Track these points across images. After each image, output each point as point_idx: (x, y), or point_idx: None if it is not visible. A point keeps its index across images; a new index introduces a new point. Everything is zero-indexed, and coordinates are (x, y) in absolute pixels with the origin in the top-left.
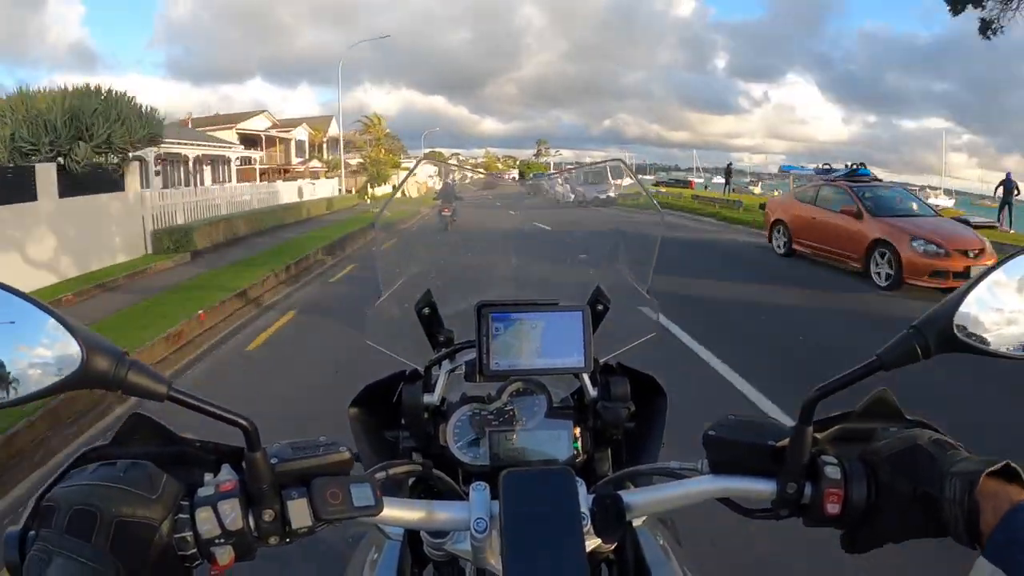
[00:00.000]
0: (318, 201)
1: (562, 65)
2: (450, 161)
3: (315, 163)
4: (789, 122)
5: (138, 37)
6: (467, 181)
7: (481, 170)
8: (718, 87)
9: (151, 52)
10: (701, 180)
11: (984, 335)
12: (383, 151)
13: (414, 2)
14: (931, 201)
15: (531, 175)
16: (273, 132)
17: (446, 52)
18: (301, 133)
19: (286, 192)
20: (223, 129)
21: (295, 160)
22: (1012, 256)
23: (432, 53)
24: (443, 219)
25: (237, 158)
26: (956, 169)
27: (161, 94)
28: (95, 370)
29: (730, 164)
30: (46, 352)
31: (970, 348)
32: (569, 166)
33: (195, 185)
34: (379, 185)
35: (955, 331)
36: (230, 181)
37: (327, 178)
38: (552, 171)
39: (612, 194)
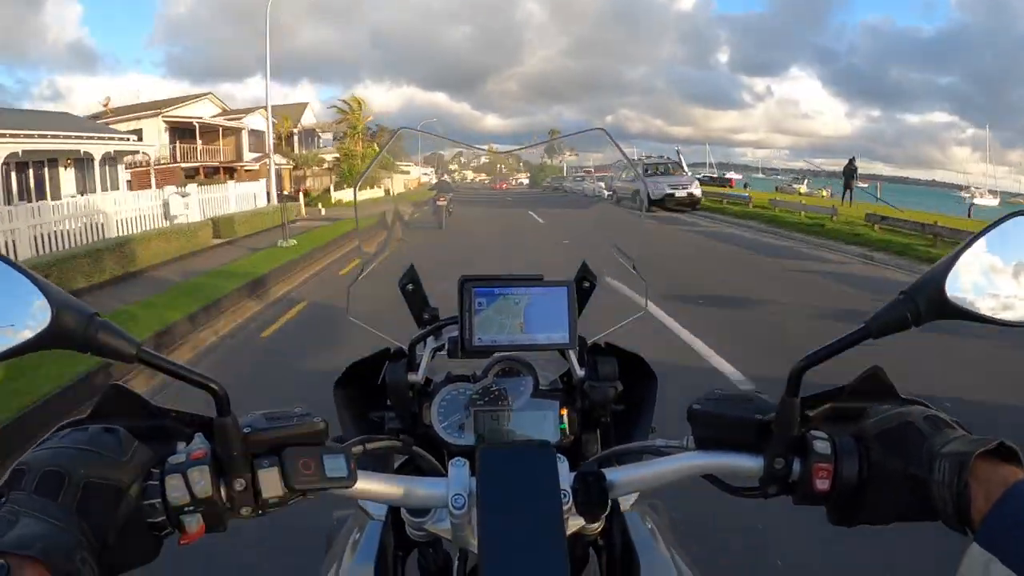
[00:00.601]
0: (193, 229)
1: (564, 61)
2: (451, 167)
3: (280, 159)
4: (792, 117)
5: (137, 36)
6: (467, 181)
7: (480, 150)
8: (721, 82)
9: (150, 51)
10: (740, 177)
11: (975, 300)
12: (361, 142)
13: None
14: (977, 201)
15: (546, 180)
16: (221, 121)
17: (447, 49)
18: (259, 122)
19: (129, 209)
20: (148, 118)
21: (248, 155)
22: (999, 221)
23: (433, 50)
24: (439, 209)
25: (134, 158)
26: (961, 163)
27: (162, 93)
28: (64, 329)
29: (852, 160)
30: (15, 309)
31: (961, 314)
32: (586, 168)
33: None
34: (351, 186)
35: (946, 296)
36: (116, 189)
37: (282, 178)
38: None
39: (695, 190)
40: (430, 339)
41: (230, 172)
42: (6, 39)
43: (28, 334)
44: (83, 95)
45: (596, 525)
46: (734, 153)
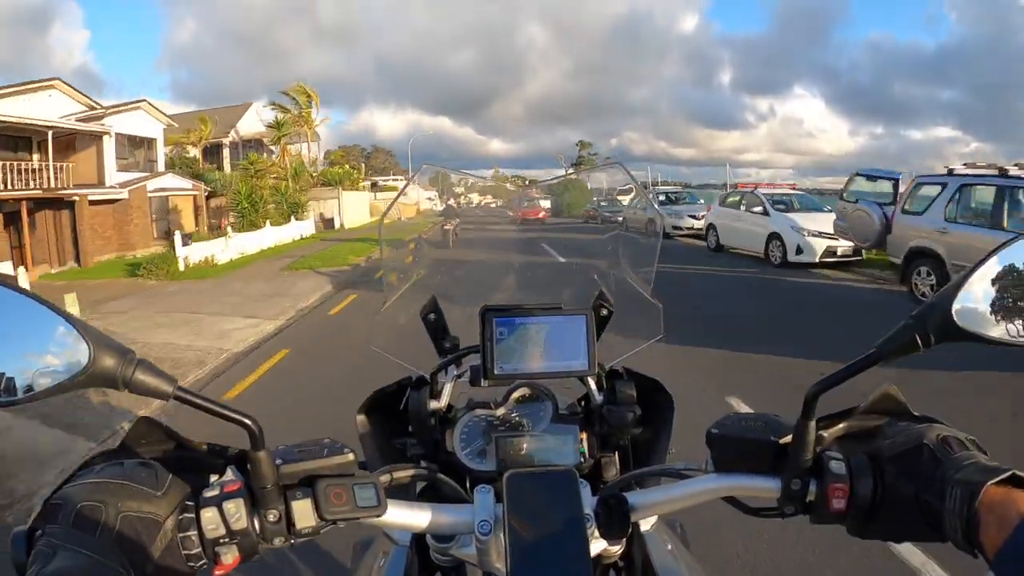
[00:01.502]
0: None
1: (567, 83)
2: (457, 189)
3: (172, 179)
4: (796, 136)
5: (143, 61)
6: (473, 205)
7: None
8: (724, 102)
9: (156, 76)
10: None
11: (983, 323)
12: (305, 160)
13: (417, 23)
14: None
15: (588, 205)
16: (67, 123)
17: (450, 73)
18: (142, 123)
19: None
20: None
21: (119, 176)
22: (1005, 244)
23: (436, 74)
24: (446, 232)
25: None
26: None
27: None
28: (102, 369)
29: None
30: (55, 351)
31: (970, 336)
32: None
33: None
34: (255, 225)
35: (955, 319)
36: None
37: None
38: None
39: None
40: (451, 367)
41: (70, 206)
42: (14, 64)
43: (68, 374)
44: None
45: (617, 548)
46: (739, 174)
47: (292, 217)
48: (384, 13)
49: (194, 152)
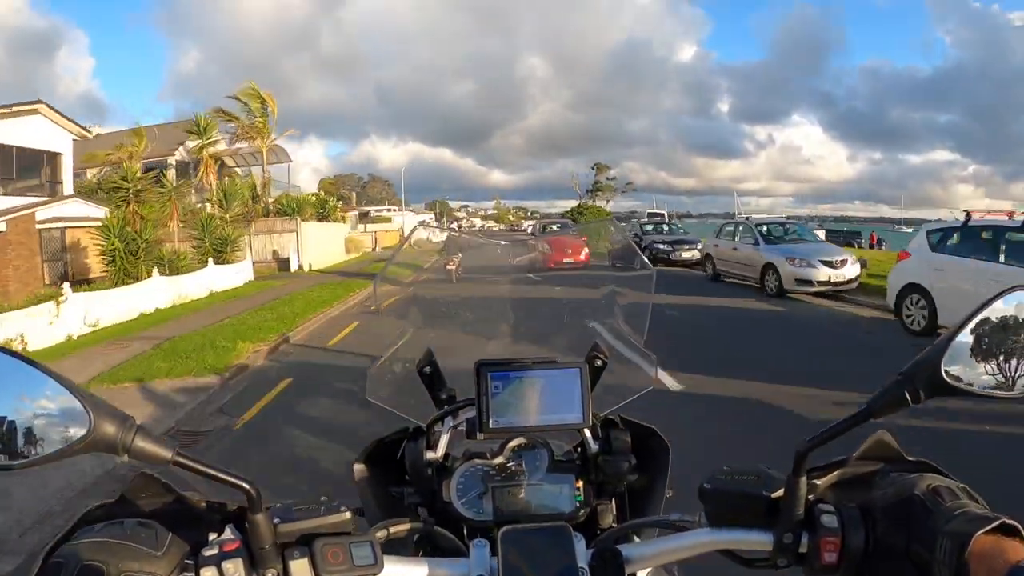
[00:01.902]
0: None
1: (567, 114)
2: (458, 214)
3: (78, 207)
4: (795, 163)
5: (147, 89)
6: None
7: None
8: (723, 131)
9: (160, 105)
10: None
11: (972, 378)
12: (258, 183)
13: (416, 55)
14: None
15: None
16: None
17: (451, 105)
18: (41, 135)
19: None
20: None
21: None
22: (994, 298)
23: (437, 106)
24: (448, 273)
25: None
26: (963, 201)
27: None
28: (102, 436)
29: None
30: (54, 418)
31: (959, 392)
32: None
33: None
34: (135, 276)
35: (944, 376)
36: None
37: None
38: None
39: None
40: (448, 418)
41: None
42: (21, 90)
43: (68, 441)
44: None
45: None
46: (739, 202)
47: (214, 258)
48: (385, 46)
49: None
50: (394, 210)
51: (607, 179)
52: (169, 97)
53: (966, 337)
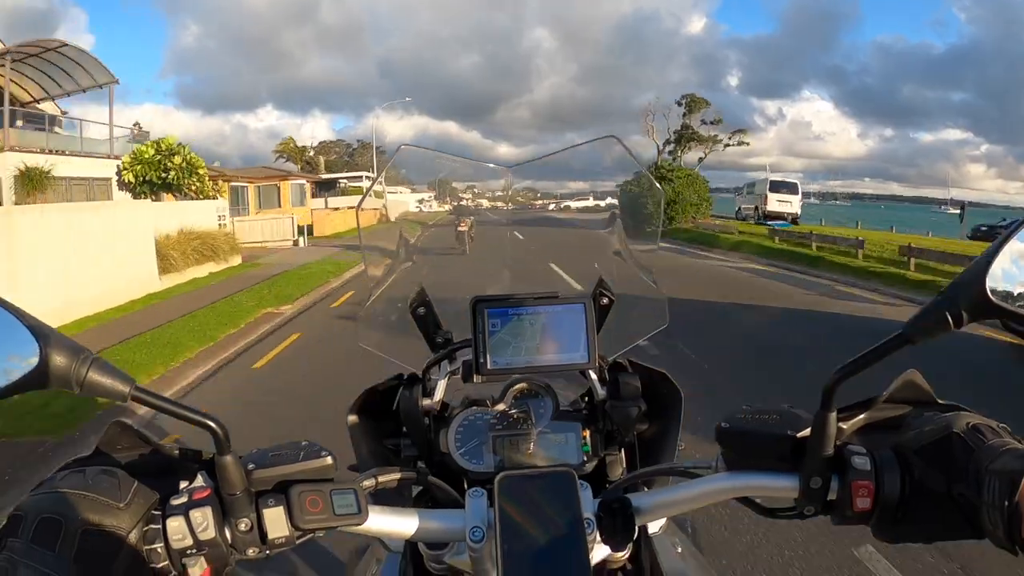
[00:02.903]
0: None
1: (574, 87)
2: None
3: None
4: (805, 139)
5: (148, 67)
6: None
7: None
8: (732, 105)
9: (162, 82)
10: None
11: (1017, 298)
12: None
13: (421, 26)
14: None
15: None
16: None
17: (456, 77)
18: None
19: None
20: None
21: None
22: None
23: (442, 79)
24: (460, 236)
25: None
26: (975, 180)
27: (177, 124)
28: (55, 368)
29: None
30: (2, 349)
31: (1005, 312)
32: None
33: None
34: None
35: (988, 295)
36: None
37: None
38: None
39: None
40: (444, 363)
41: None
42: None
43: (15, 375)
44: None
45: (623, 553)
46: (747, 178)
47: None
48: (390, 18)
49: None
50: (370, 175)
51: (705, 121)
52: (171, 74)
53: (1012, 252)
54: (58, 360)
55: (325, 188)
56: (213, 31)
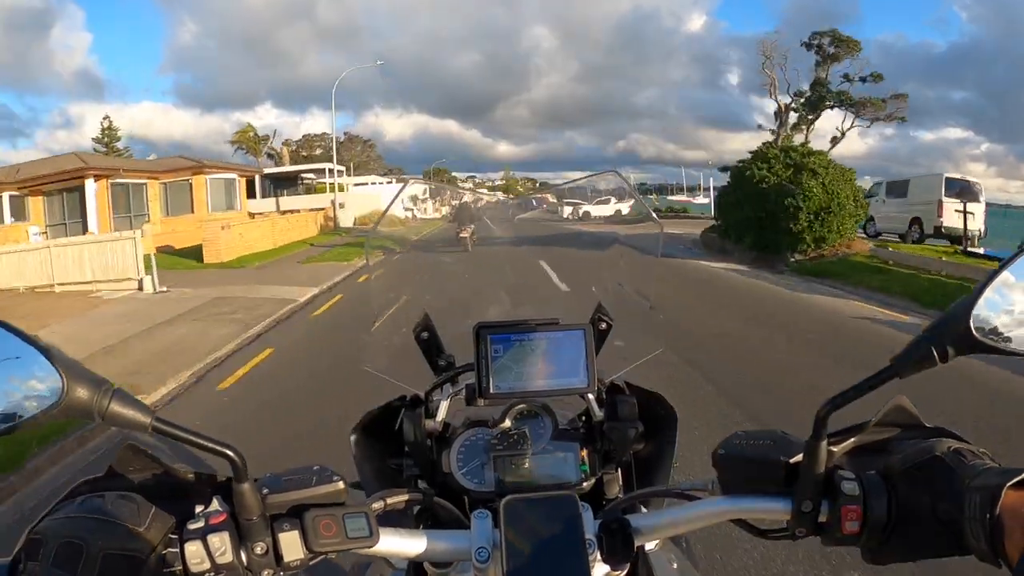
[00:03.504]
0: None
1: (574, 86)
2: (464, 185)
3: None
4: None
5: (145, 65)
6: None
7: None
8: (732, 104)
9: (159, 79)
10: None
11: (1003, 334)
12: None
13: (420, 24)
14: None
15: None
16: None
17: (455, 75)
18: None
19: None
20: None
21: None
22: (1019, 254)
23: (441, 76)
24: (462, 242)
25: None
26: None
27: (176, 122)
28: (77, 400)
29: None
30: (26, 382)
31: (990, 348)
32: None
33: None
34: None
35: (973, 332)
36: None
37: None
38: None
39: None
40: (447, 385)
41: None
42: (15, 67)
43: (41, 406)
44: (93, 123)
45: (621, 571)
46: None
47: None
48: (389, 16)
49: None
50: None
51: (850, 77)
52: (170, 71)
53: (994, 292)
54: (80, 392)
55: (284, 184)
56: (211, 29)
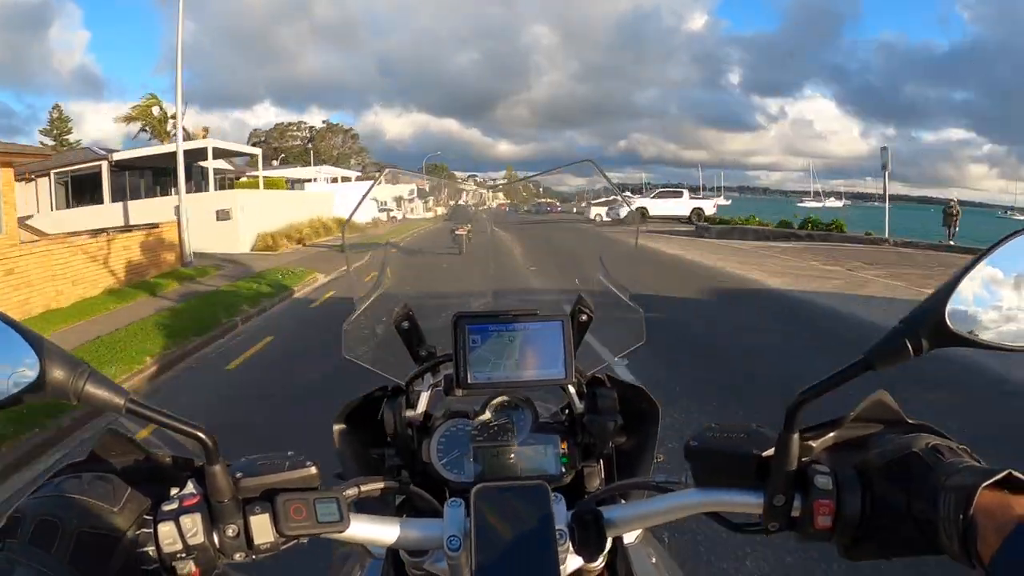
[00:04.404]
0: None
1: (574, 85)
2: (465, 183)
3: None
4: (807, 138)
5: (144, 62)
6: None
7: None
8: (733, 104)
9: (157, 78)
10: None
11: (978, 327)
12: None
13: (420, 23)
14: None
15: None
16: None
17: (455, 75)
18: None
19: None
20: None
21: None
22: (1001, 241)
23: (441, 76)
24: (457, 239)
25: None
26: (977, 181)
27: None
28: (53, 381)
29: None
30: (3, 362)
31: (964, 341)
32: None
33: None
34: None
35: (948, 324)
36: None
37: None
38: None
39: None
40: (427, 375)
41: None
42: (13, 65)
43: (16, 386)
44: (92, 121)
45: (596, 564)
46: (748, 176)
47: None
48: (388, 15)
49: None
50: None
51: None
52: (168, 69)
53: (969, 285)
54: (57, 372)
55: (165, 176)
56: (210, 27)
